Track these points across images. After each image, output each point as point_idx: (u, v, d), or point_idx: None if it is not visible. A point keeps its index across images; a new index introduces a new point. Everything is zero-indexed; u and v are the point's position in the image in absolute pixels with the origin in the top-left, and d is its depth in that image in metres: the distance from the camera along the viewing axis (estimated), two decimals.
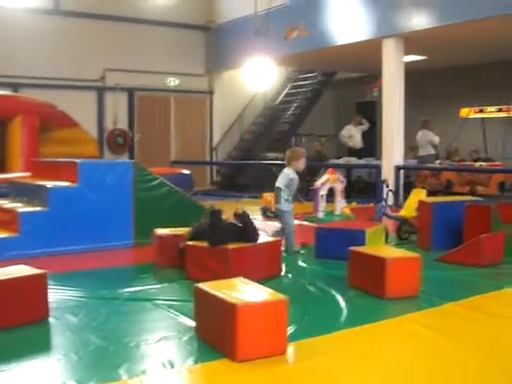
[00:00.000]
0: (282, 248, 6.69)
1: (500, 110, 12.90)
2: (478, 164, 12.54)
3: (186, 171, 13.20)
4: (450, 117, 16.01)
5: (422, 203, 7.77)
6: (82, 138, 12.84)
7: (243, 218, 6.08)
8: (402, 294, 5.28)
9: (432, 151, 14.42)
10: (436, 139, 14.34)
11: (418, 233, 7.83)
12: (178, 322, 4.63)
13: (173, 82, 17.42)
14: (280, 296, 4.08)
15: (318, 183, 10.15)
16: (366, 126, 16.24)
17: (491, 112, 13.06)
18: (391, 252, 5.79)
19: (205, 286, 4.23)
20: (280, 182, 7.22)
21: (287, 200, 7.24)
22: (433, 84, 18.01)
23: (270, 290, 4.16)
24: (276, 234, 7.37)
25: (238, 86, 18.41)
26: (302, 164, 7.39)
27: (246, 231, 5.99)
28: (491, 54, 14.88)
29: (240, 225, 6.01)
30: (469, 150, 14.65)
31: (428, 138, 14.39)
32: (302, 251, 7.34)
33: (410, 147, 15.70)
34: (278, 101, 19.26)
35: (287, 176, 7.25)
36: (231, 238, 5.89)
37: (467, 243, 6.77)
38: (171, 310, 4.91)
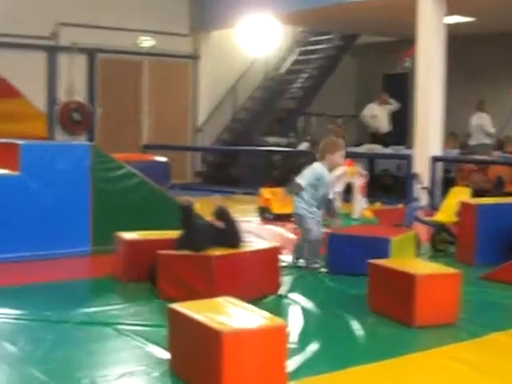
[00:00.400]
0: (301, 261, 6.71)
1: None
2: None
3: (162, 158, 13.24)
4: (503, 95, 16.04)
5: (463, 205, 7.78)
6: (26, 113, 12.84)
7: (222, 215, 6.07)
8: (435, 321, 5.29)
9: (486, 141, 14.48)
10: (490, 127, 14.42)
11: (458, 243, 7.85)
12: (147, 353, 4.63)
13: (147, 42, 17.42)
14: (278, 321, 4.09)
15: (332, 176, 10.14)
16: (394, 105, 16.29)
17: None
18: (423, 267, 5.80)
19: (181, 308, 4.23)
20: (302, 178, 7.22)
21: (308, 203, 7.23)
22: (483, 54, 18.04)
23: (265, 313, 4.17)
24: (298, 250, 7.37)
25: (230, 51, 18.42)
26: (339, 159, 7.41)
27: (227, 233, 5.99)
28: None
29: (221, 226, 6.01)
30: None
31: (481, 124, 14.45)
32: (323, 269, 7.20)
33: (452, 134, 15.75)
34: (283, 70, 19.29)
35: (315, 172, 7.25)
36: (209, 243, 5.88)
37: None
38: (138, 338, 4.91)
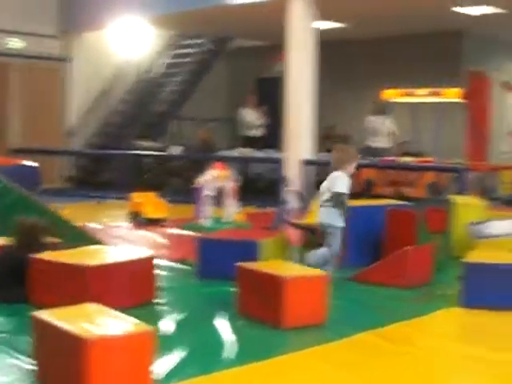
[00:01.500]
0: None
1: (433, 94, 13.33)
2: (405, 160, 12.89)
3: (31, 163, 12.89)
4: (370, 100, 16.40)
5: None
6: None
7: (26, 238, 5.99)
8: (304, 323, 5.36)
9: (388, 144, 14.71)
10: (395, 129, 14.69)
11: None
12: (12, 364, 4.51)
13: (15, 44, 17.00)
14: (145, 327, 4.05)
15: (202, 181, 10.16)
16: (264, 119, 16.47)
17: (422, 95, 13.48)
18: (291, 269, 5.87)
19: (45, 315, 4.14)
20: (341, 187, 6.99)
21: (341, 214, 7.08)
22: (355, 59, 18.41)
23: (134, 320, 4.12)
24: (323, 261, 7.05)
25: (103, 53, 18.16)
26: (353, 169, 7.22)
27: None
28: (420, 23, 15.40)
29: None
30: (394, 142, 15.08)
31: (385, 127, 14.66)
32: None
33: (325, 136, 16.03)
34: (155, 73, 19.16)
35: (346, 179, 7.04)
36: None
37: (387, 258, 6.97)
38: (2, 347, 4.79)
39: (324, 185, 7.17)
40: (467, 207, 8.66)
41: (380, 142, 14.81)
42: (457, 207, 8.60)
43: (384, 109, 14.65)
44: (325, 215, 7.10)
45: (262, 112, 16.52)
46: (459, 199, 9.01)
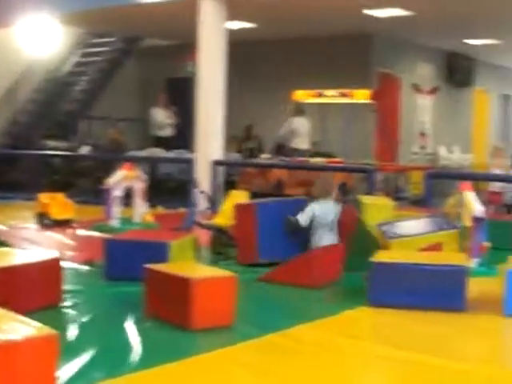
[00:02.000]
0: None
1: (343, 95, 13.48)
2: (314, 160, 13.00)
3: None
4: (282, 100, 16.51)
5: (239, 207, 7.95)
6: None
7: None
8: (212, 324, 5.34)
9: (306, 145, 14.77)
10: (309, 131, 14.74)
11: (238, 245, 7.99)
12: None
13: None
14: (49, 331, 3.97)
15: (111, 182, 10.07)
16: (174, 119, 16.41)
17: (332, 97, 13.60)
18: (199, 271, 5.85)
19: None
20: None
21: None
22: (265, 59, 18.50)
23: (37, 324, 4.04)
24: None
25: (9, 51, 17.82)
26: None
27: None
28: (331, 25, 15.58)
29: None
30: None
31: (300, 128, 14.71)
32: None
33: (234, 137, 16.05)
34: (64, 72, 18.91)
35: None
36: None
37: (295, 259, 7.01)
38: None
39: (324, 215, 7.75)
40: (375, 207, 8.80)
41: (303, 143, 14.92)
42: (365, 207, 8.72)
43: (303, 110, 14.74)
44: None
45: (173, 112, 16.46)
46: (367, 199, 9.13)
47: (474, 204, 7.78)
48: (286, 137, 14.78)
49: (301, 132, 14.80)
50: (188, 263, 6.39)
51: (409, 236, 7.94)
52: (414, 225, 8.30)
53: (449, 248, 7.63)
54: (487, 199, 8.18)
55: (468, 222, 7.81)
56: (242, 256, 7.86)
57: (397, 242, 7.81)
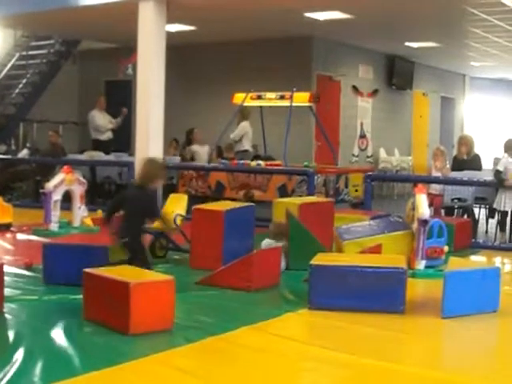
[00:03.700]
0: None
1: (282, 98, 13.52)
2: (254, 163, 13.05)
3: None
4: (222, 103, 16.55)
5: (198, 211, 8.04)
6: None
7: None
8: (151, 329, 5.35)
9: (249, 147, 14.79)
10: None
11: (193, 250, 8.06)
12: None
13: None
14: None
15: (50, 185, 10.00)
16: (117, 121, 16.31)
17: (271, 99, 13.64)
18: (137, 275, 5.83)
19: None
20: None
21: None
22: (203, 62, 18.53)
23: None
24: None
25: None
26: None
27: None
28: (271, 27, 15.67)
29: None
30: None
31: (247, 132, 14.70)
32: None
33: (174, 140, 16.04)
34: (2, 75, 18.71)
35: None
36: None
37: (235, 262, 7.04)
38: None
39: None
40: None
41: (248, 146, 14.96)
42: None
43: (249, 113, 14.79)
44: None
45: (112, 115, 16.38)
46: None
47: (421, 207, 7.96)
48: (236, 140, 14.83)
49: (249, 136, 14.88)
50: (126, 267, 6.38)
51: (360, 237, 8.15)
52: (368, 227, 8.54)
53: (399, 249, 7.77)
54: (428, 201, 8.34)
55: (415, 224, 8.00)
56: (200, 261, 7.91)
57: (349, 244, 8.04)
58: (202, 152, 15.05)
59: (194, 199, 10.92)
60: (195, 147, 15.19)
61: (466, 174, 11.36)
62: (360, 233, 8.30)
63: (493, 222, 11.74)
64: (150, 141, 12.66)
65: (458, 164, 12.04)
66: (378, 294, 6.21)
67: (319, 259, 6.56)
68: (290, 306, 6.40)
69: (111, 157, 15.24)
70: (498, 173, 10.66)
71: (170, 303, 5.50)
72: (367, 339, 5.53)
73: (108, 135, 16.21)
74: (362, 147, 19.86)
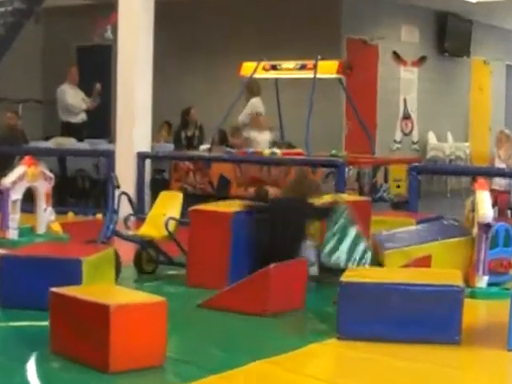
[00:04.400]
0: None
1: (303, 68, 13.50)
2: (268, 152, 13.05)
3: None
4: (228, 76, 16.55)
5: (196, 213, 8.06)
6: None
7: None
8: (136, 365, 5.33)
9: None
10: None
11: (190, 264, 8.07)
12: None
13: None
14: None
15: (7, 181, 10.01)
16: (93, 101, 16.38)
17: (289, 70, 13.63)
18: (120, 295, 5.84)
19: None
20: None
21: None
22: (204, 22, 18.50)
23: None
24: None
25: None
26: None
27: None
28: None
29: None
30: None
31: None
32: None
33: (166, 123, 16.07)
34: None
35: None
36: None
37: (246, 279, 7.03)
38: None
39: None
40: None
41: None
42: None
43: (260, 88, 14.77)
44: None
45: (87, 91, 16.41)
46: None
47: (482, 207, 7.86)
48: (246, 123, 14.80)
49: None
50: (106, 285, 6.39)
51: (406, 246, 8.14)
52: (416, 233, 8.54)
53: (455, 262, 7.74)
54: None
55: (475, 230, 7.94)
56: (200, 278, 7.90)
57: (392, 254, 8.01)
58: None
59: (191, 198, 10.91)
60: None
61: None
62: (405, 240, 8.27)
63: None
64: (136, 124, 12.69)
65: None
66: (428, 319, 6.16)
67: (351, 275, 6.54)
68: (315, 336, 6.38)
69: (85, 144, 15.25)
70: None
71: (160, 332, 5.48)
72: (413, 378, 5.51)
73: (82, 117, 16.27)
74: (405, 131, 19.85)
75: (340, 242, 8.05)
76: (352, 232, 8.09)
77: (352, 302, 6.23)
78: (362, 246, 8.07)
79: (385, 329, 6.15)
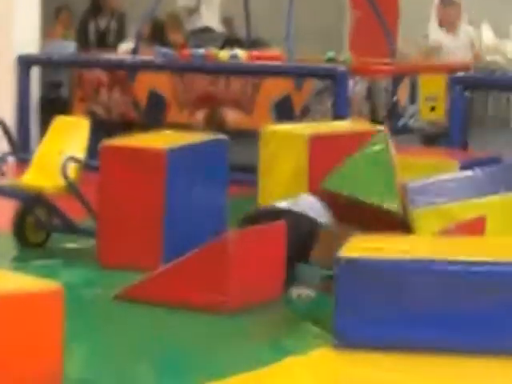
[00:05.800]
0: None
1: None
2: (225, 55, 13.09)
3: None
4: None
5: (113, 153, 8.15)
6: None
7: None
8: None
9: None
10: None
11: (103, 232, 8.17)
12: None
13: None
14: None
15: None
16: None
17: None
18: None
19: None
20: None
21: None
22: None
23: None
24: None
25: None
26: None
27: None
28: None
29: None
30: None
31: None
32: None
33: (65, 9, 16.12)
34: None
35: None
36: None
37: (193, 254, 7.04)
38: None
39: None
40: None
41: (212, 20, 15.05)
42: None
43: None
44: None
45: None
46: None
47: None
48: (192, 7, 14.88)
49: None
50: None
51: (446, 202, 8.16)
52: (462, 182, 8.56)
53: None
54: None
55: None
56: (118, 254, 7.99)
57: (426, 213, 8.03)
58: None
59: (104, 127, 10.93)
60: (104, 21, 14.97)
61: None
62: (445, 193, 8.26)
63: None
64: (14, 8, 12.68)
65: None
66: (482, 318, 6.18)
67: (356, 246, 6.44)
68: (296, 342, 6.43)
69: None
70: None
71: (53, 340, 5.48)
72: None
73: None
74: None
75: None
76: None
77: (357, 290, 6.21)
78: None
79: (410, 331, 6.14)
